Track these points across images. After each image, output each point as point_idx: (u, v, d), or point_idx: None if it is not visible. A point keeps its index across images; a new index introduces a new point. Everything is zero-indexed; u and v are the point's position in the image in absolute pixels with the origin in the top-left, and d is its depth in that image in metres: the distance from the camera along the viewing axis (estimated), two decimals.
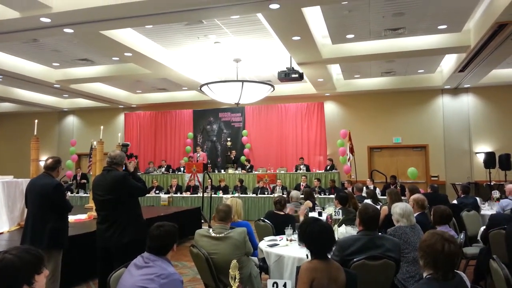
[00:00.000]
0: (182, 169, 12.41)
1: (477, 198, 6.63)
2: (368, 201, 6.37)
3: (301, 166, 11.74)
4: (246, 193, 11.00)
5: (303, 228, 2.48)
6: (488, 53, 8.49)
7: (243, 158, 12.84)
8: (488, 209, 6.59)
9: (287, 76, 9.04)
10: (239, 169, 12.32)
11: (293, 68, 9.10)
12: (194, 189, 11.31)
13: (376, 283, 2.49)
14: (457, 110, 12.19)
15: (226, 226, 3.26)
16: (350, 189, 9.00)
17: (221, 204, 3.48)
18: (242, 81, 9.07)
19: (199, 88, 10.06)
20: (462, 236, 3.56)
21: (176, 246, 2.42)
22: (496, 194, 7.27)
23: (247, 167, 12.29)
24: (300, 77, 9.08)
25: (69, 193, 9.99)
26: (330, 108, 13.25)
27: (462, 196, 6.42)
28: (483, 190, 10.69)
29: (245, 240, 3.18)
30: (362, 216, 2.91)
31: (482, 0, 7.05)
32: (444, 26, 8.06)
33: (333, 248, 2.52)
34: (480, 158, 11.46)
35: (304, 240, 2.45)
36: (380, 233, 3.06)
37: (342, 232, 3.62)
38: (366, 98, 12.77)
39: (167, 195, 11.21)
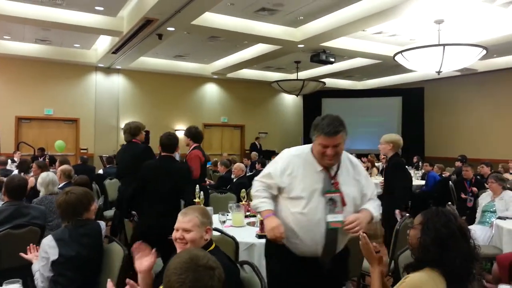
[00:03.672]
0: None
1: None
2: (16, 172, 6.18)
3: None
4: None
5: None
6: (137, 42, 9.61)
7: None
8: None
9: None
10: None
11: None
12: None
13: (23, 249, 2.67)
14: (109, 88, 13.15)
15: None
16: None
17: None
18: None
19: None
20: (100, 200, 4.20)
21: None
22: None
23: None
24: None
25: None
26: None
27: (107, 166, 7.21)
28: None
29: None
30: (7, 187, 2.97)
31: None
32: (101, 8, 8.49)
33: None
34: None
35: None
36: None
37: None
38: (16, 63, 11.63)
39: None
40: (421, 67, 8.43)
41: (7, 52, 11.14)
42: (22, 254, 2.34)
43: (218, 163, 7.09)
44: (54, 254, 2.24)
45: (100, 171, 7.35)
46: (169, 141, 3.74)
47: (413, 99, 14.26)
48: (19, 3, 8.12)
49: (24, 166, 6.71)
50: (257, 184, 2.28)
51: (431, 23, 8.33)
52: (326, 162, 2.13)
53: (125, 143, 4.85)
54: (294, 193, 2.15)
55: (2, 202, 3.16)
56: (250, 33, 9.03)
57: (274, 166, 2.24)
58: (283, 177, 2.18)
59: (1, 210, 2.87)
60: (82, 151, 12.30)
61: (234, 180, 6.13)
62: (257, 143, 14.49)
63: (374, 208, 2.24)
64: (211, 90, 14.96)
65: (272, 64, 12.94)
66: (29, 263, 2.66)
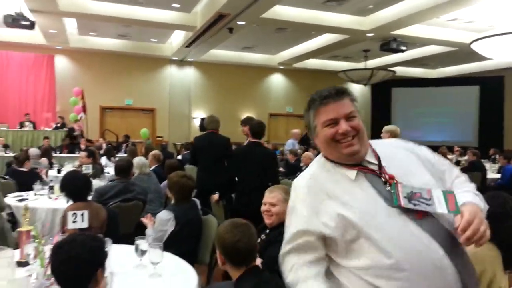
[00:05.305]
0: None
1: None
2: (104, 158, 6.97)
3: (27, 123, 10.78)
4: None
5: (64, 179, 2.88)
6: (209, 36, 10.14)
7: None
8: None
9: (15, 22, 8.11)
10: None
11: (23, 14, 8.22)
12: None
13: (129, 219, 3.18)
14: (181, 79, 13.94)
15: None
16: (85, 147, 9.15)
17: None
18: None
19: None
20: None
21: None
22: None
23: None
24: (32, 25, 8.34)
25: None
26: (62, 63, 12.56)
27: (185, 152, 7.82)
28: None
29: None
30: (117, 167, 3.50)
31: None
32: (178, 5, 9.08)
33: (92, 194, 3.02)
34: (197, 122, 13.62)
35: (64, 189, 2.85)
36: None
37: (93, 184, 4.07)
38: (100, 57, 12.76)
39: None
40: (500, 55, 8.03)
41: (92, 47, 12.25)
42: (143, 219, 2.84)
43: (288, 152, 7.46)
44: (172, 225, 2.71)
45: (179, 157, 7.99)
46: (259, 128, 4.01)
47: (492, 88, 13.47)
48: (106, 2, 8.93)
49: (110, 153, 7.49)
50: (288, 261, 1.37)
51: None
52: (344, 150, 1.32)
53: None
54: (349, 235, 1.27)
55: (108, 181, 3.69)
56: (318, 24, 9.12)
57: (295, 215, 1.38)
58: (319, 217, 1.31)
59: (112, 186, 3.42)
60: (157, 138, 13.23)
61: (303, 167, 6.40)
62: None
63: (474, 198, 1.36)
64: (277, 80, 15.23)
65: (339, 53, 12.89)
66: (133, 232, 3.17)
